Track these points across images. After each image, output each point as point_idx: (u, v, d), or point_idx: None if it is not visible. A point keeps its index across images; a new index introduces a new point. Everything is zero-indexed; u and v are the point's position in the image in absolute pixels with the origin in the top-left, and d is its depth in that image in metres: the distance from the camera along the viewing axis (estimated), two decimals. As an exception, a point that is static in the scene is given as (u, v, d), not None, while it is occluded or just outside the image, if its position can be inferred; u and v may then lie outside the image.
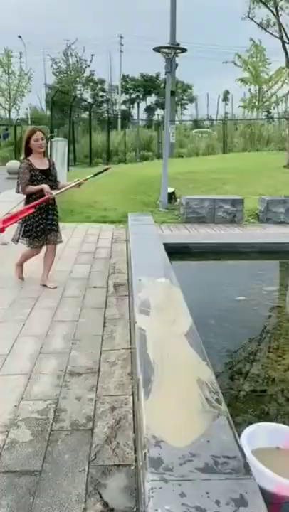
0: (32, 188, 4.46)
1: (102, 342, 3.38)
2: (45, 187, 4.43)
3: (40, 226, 4.57)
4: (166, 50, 8.61)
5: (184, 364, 2.07)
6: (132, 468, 2.13)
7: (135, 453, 2.21)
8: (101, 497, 1.98)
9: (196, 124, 29.71)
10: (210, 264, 5.48)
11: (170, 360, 2.09)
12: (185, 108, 47.26)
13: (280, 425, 2.05)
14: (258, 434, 1.96)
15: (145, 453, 1.47)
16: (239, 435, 1.80)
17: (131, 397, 2.70)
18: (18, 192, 4.63)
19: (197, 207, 7.75)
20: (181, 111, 41.14)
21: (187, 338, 2.37)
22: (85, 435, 2.37)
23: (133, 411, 2.54)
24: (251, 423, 2.48)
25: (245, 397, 2.78)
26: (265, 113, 31.72)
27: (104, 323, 3.72)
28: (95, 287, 4.61)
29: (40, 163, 4.55)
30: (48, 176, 4.58)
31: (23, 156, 4.65)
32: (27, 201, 4.60)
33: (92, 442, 2.32)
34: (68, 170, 13.17)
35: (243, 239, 5.86)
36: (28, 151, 4.51)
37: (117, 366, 3.04)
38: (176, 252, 5.19)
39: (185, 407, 1.72)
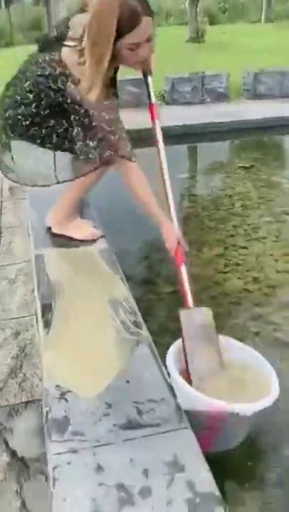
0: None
1: (0, 256, 2.91)
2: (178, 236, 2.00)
3: None
4: None
5: (91, 281, 1.70)
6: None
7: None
8: (7, 445, 1.66)
9: None
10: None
11: (74, 277, 1.71)
12: (75, -19, 42.55)
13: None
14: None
15: (47, 412, 1.12)
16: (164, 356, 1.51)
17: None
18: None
19: (97, 91, 7.00)
20: (71, -16, 37.04)
21: (95, 246, 1.98)
22: (-14, 371, 2.00)
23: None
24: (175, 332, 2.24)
25: (165, 300, 2.52)
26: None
27: (1, 233, 3.21)
28: (-14, 192, 4.00)
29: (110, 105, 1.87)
30: None
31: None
32: None
33: (-6, 378, 1.96)
34: None
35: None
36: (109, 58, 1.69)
37: (19, 283, 2.63)
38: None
39: (96, 338, 1.38)
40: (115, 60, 1.75)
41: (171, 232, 1.97)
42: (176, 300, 2.52)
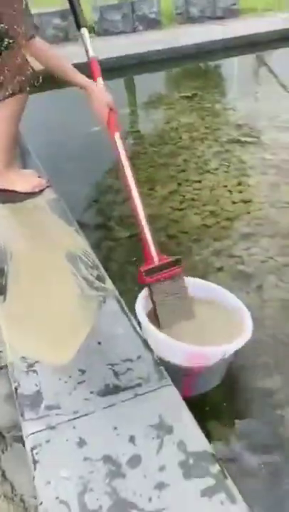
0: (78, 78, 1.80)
1: None
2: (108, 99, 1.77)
3: None
4: None
5: (44, 237, 1.57)
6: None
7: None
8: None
9: None
10: (49, 94, 4.68)
11: (25, 235, 1.57)
12: None
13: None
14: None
15: (16, 388, 1.02)
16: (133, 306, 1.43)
17: None
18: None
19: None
20: None
21: (42, 197, 1.83)
22: None
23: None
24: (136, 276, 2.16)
25: (123, 246, 2.41)
26: None
27: None
28: None
29: None
30: None
31: None
32: None
33: None
34: None
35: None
36: None
37: None
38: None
39: (59, 298, 1.27)
40: None
41: (100, 97, 1.71)
42: (135, 244, 2.43)
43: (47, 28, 6.48)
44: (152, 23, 6.92)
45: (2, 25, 1.63)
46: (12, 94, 1.77)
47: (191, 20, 7.07)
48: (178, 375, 1.26)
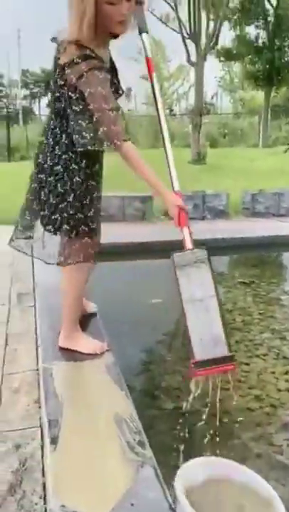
0: (154, 181, 2.15)
1: (4, 365, 2.94)
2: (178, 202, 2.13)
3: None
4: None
5: (97, 397, 1.75)
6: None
7: (45, 503, 1.84)
8: None
9: (101, 120, 29.39)
10: (123, 265, 5.21)
11: (81, 393, 1.76)
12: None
13: (212, 458, 1.80)
14: (193, 472, 1.68)
15: (52, 535, 1.12)
16: (169, 477, 1.51)
17: (40, 429, 2.31)
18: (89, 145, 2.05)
19: (105, 205, 7.43)
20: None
21: (100, 359, 2.06)
22: (-17, 487, 1.96)
23: (42, 446, 2.17)
24: (179, 449, 2.22)
25: (167, 416, 2.51)
26: (168, 110, 32.28)
27: (7, 340, 3.27)
28: (-5, 299, 4.11)
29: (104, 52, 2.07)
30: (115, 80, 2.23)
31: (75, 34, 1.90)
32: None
33: (-8, 495, 1.91)
34: None
35: (156, 237, 5.66)
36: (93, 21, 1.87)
37: (22, 393, 2.64)
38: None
39: (102, 456, 1.40)
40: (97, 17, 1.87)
41: (172, 200, 2.09)
42: (178, 417, 2.53)
43: (128, 208, 7.39)
44: (220, 214, 7.72)
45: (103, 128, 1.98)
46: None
47: (256, 215, 7.83)
48: None
